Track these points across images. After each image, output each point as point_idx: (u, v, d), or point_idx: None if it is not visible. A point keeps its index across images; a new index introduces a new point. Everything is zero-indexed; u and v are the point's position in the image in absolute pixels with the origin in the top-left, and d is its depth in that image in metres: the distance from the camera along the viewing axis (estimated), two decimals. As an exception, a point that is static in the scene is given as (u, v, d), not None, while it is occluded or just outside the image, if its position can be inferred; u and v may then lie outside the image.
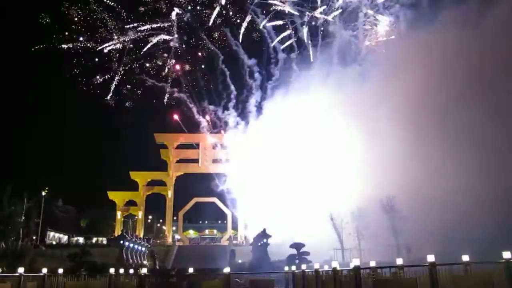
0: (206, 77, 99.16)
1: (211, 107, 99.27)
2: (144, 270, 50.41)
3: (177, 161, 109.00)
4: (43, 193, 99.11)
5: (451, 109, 62.42)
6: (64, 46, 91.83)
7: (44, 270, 37.51)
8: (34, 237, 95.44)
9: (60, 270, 40.29)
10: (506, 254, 20.83)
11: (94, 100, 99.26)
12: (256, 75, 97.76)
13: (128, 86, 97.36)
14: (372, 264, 25.20)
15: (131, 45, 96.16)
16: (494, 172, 55.85)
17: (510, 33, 59.43)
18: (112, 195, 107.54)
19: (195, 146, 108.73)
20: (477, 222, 51.03)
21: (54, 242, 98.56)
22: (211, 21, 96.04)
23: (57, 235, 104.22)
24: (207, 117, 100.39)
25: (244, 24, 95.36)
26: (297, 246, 61.89)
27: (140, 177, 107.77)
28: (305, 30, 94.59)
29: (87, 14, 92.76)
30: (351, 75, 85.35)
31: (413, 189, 61.86)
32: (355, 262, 21.70)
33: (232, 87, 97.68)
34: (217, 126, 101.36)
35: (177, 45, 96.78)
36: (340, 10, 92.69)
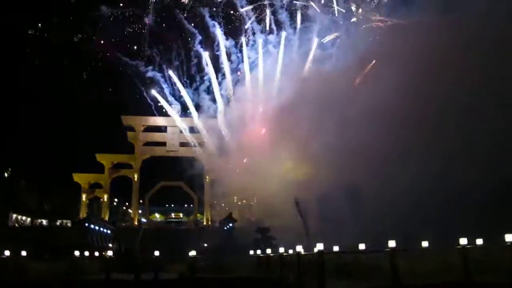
0: (180, 58, 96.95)
1: (183, 89, 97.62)
2: (109, 253, 50.52)
3: (144, 144, 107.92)
4: (5, 174, 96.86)
5: (421, 101, 63.79)
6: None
7: (7, 253, 37.20)
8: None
9: (24, 253, 40.04)
10: (462, 241, 21.94)
11: (59, 77, 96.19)
12: (232, 57, 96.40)
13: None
14: (336, 249, 26.02)
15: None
16: (458, 160, 57.60)
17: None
18: (77, 177, 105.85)
19: (163, 129, 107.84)
20: (438, 208, 52.96)
21: (16, 225, 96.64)
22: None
23: (20, 217, 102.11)
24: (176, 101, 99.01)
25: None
26: (263, 230, 62.98)
27: (106, 159, 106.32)
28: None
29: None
30: (324, 60, 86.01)
31: (378, 176, 63.19)
32: (319, 247, 22.41)
33: (206, 70, 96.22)
34: (186, 109, 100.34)
35: (151, 22, 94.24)
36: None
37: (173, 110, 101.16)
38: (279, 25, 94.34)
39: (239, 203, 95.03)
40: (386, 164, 63.33)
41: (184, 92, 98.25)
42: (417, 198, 56.20)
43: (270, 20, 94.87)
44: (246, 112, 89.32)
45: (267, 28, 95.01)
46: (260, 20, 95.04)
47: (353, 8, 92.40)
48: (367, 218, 58.38)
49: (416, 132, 62.00)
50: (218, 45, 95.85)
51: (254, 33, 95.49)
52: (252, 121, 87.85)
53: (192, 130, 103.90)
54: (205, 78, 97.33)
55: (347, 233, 51.31)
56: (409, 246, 25.44)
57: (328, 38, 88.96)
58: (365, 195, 63.79)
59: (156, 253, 39.28)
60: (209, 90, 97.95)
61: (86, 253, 43.03)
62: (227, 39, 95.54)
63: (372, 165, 64.80)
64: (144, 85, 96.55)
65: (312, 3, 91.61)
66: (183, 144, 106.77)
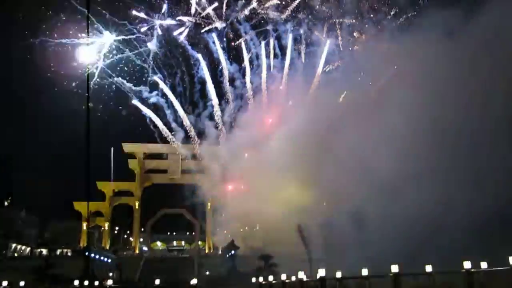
0: (183, 85, 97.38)
1: (185, 115, 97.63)
2: (109, 282, 49.87)
3: (145, 171, 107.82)
4: (5, 203, 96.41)
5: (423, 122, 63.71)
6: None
7: (4, 283, 36.69)
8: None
9: (22, 283, 39.46)
10: (466, 264, 21.51)
11: (61, 106, 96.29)
12: (236, 83, 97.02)
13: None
14: (338, 275, 25.55)
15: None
16: (466, 184, 57.16)
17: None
18: (78, 206, 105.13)
19: (164, 157, 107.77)
20: (444, 232, 52.30)
21: (16, 255, 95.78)
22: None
23: (19, 246, 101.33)
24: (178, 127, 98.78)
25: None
26: (265, 258, 62.16)
27: (107, 187, 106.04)
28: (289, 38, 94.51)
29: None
30: (329, 85, 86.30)
31: (383, 201, 62.68)
32: (321, 273, 22.00)
33: (210, 96, 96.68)
34: (189, 136, 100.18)
35: (156, 48, 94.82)
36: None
37: (174, 137, 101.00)
38: (283, 50, 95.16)
39: (242, 230, 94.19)
40: (391, 190, 62.82)
41: (186, 119, 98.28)
42: (422, 223, 55.57)
43: (274, 45, 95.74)
44: (248, 138, 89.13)
45: (271, 53, 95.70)
46: (264, 45, 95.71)
47: (356, 35, 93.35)
48: (371, 244, 57.62)
49: (421, 157, 61.67)
50: (221, 71, 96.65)
51: (257, 57, 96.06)
52: (255, 147, 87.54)
53: (194, 156, 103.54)
54: (208, 104, 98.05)
55: (351, 259, 50.61)
56: (414, 271, 25.00)
57: (329, 66, 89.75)
58: (369, 220, 63.15)
59: (157, 281, 38.77)
60: (212, 116, 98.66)
61: (86, 283, 42.42)
62: (230, 64, 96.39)
63: (377, 191, 64.30)
64: (145, 111, 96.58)
65: (316, 32, 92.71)
66: (184, 171, 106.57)
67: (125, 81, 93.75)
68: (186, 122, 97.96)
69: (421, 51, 66.27)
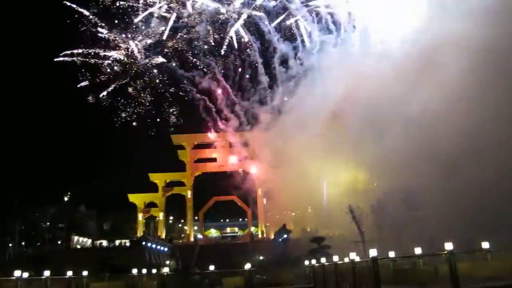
0: (234, 70, 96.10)
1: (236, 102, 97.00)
2: (166, 270, 51.25)
3: (195, 161, 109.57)
4: (65, 198, 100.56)
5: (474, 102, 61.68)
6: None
7: (69, 273, 38.46)
8: (59, 242, 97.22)
9: (85, 272, 41.31)
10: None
11: (111, 103, 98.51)
12: (282, 70, 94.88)
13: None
14: (391, 255, 25.27)
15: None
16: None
17: None
18: (133, 198, 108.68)
19: (212, 145, 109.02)
20: (498, 209, 50.62)
21: (78, 246, 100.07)
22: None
23: (81, 239, 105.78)
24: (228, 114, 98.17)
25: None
26: (318, 240, 62.12)
27: (159, 178, 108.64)
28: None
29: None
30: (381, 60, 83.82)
31: (433, 179, 61.35)
32: (373, 253, 21.75)
33: (261, 80, 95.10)
34: (239, 123, 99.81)
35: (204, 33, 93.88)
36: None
37: (224, 125, 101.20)
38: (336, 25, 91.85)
39: (293, 214, 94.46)
40: (443, 168, 61.31)
41: (236, 105, 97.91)
42: (475, 201, 53.99)
43: (326, 21, 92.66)
44: (298, 122, 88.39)
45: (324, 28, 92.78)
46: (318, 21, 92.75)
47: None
48: (424, 223, 56.56)
49: (475, 136, 59.75)
50: (272, 55, 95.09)
51: (310, 35, 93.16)
52: (305, 130, 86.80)
53: (242, 144, 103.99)
54: (259, 88, 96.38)
55: (404, 239, 49.91)
56: (469, 249, 24.31)
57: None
58: (422, 199, 61.92)
59: (212, 267, 39.50)
60: (262, 102, 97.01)
61: (144, 271, 43.83)
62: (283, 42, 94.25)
63: (429, 170, 62.90)
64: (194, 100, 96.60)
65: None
66: (233, 159, 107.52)
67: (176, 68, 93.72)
68: (236, 108, 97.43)
69: None
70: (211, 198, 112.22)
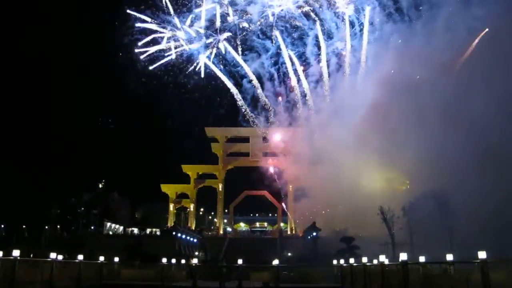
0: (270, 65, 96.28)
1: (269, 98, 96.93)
2: (195, 261, 51.94)
3: (228, 155, 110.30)
4: (100, 186, 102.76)
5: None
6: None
7: (101, 258, 39.54)
8: (92, 227, 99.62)
9: (116, 259, 42.38)
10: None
11: (150, 95, 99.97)
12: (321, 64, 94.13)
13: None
14: (422, 259, 24.92)
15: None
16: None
17: None
18: (165, 188, 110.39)
19: (246, 140, 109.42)
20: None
21: (110, 233, 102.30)
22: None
23: (113, 225, 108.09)
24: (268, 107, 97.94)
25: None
26: (347, 240, 61.71)
27: (191, 170, 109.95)
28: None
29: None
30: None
31: (468, 184, 60.09)
32: (403, 257, 21.57)
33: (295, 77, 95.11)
34: (274, 118, 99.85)
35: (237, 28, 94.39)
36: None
37: (258, 120, 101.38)
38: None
39: (323, 211, 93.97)
40: (479, 173, 59.93)
41: (270, 101, 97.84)
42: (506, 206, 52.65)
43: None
44: (332, 120, 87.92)
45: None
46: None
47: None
48: (458, 229, 55.47)
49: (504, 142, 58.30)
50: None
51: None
52: (339, 129, 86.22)
53: (276, 139, 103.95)
54: (294, 85, 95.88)
55: (436, 244, 49.07)
56: (504, 257, 23.71)
57: None
58: (456, 204, 60.68)
59: (240, 261, 39.85)
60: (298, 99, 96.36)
61: (173, 261, 44.57)
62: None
63: (463, 174, 61.62)
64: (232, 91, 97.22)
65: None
66: (266, 154, 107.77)
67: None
68: (271, 104, 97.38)
69: None
70: (242, 192, 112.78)
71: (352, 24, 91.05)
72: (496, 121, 60.12)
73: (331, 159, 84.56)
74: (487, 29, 73.79)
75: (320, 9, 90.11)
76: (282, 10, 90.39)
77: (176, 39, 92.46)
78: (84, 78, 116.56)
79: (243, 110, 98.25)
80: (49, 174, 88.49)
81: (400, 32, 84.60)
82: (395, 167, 74.71)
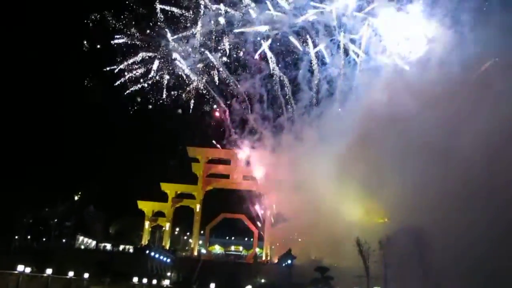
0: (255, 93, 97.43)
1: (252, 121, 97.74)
2: (166, 282, 51.06)
3: (208, 175, 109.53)
4: (76, 198, 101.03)
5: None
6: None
7: (71, 274, 38.59)
8: (64, 240, 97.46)
9: (86, 275, 41.40)
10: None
11: (130, 108, 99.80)
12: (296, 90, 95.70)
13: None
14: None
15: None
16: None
17: None
18: (142, 205, 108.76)
19: (227, 162, 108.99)
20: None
21: (82, 247, 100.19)
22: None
23: (86, 239, 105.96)
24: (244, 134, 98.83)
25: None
26: (322, 269, 61.38)
27: (170, 188, 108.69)
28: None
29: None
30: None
31: (444, 222, 60.58)
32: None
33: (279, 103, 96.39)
34: (254, 143, 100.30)
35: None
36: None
37: (240, 143, 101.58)
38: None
39: (300, 239, 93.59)
40: (456, 210, 60.53)
41: (257, 124, 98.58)
42: (486, 248, 53.07)
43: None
44: (312, 149, 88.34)
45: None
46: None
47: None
48: (433, 265, 55.65)
49: (490, 179, 59.14)
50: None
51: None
52: (318, 158, 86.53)
53: (257, 163, 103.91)
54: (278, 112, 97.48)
55: (410, 279, 49.12)
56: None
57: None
58: (432, 241, 61.03)
59: (212, 286, 39.25)
60: (279, 126, 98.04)
61: (145, 280, 43.77)
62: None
63: (445, 211, 62.17)
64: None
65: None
66: (246, 177, 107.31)
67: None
68: (258, 126, 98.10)
69: None
70: (220, 214, 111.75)
71: (346, 52, 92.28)
72: (482, 158, 60.97)
73: (312, 187, 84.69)
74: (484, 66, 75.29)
75: (316, 35, 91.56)
76: (277, 34, 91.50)
77: (167, 58, 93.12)
78: (64, 88, 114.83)
79: (228, 131, 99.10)
80: (24, 181, 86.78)
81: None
82: (376, 200, 75.00)
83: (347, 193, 79.61)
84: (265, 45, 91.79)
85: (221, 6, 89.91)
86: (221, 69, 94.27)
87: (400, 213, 69.43)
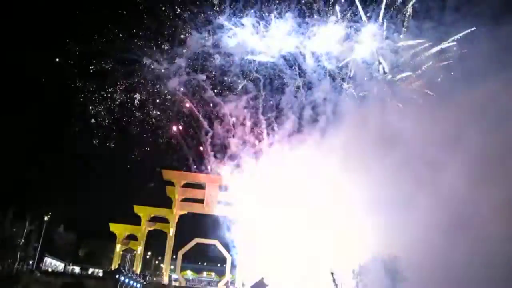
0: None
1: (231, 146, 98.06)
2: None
3: (182, 200, 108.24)
4: (45, 218, 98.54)
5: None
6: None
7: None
8: (30, 262, 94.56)
9: (50, 300, 39.90)
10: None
11: (106, 127, 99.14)
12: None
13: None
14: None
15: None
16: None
17: None
18: (114, 227, 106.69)
19: (202, 186, 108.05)
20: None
21: (50, 269, 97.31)
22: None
23: (54, 262, 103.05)
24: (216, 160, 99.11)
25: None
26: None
27: (143, 211, 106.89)
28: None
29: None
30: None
31: (416, 250, 60.81)
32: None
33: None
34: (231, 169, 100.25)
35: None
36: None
37: (215, 168, 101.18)
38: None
39: (273, 267, 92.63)
40: (429, 240, 60.83)
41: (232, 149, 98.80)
42: (461, 279, 53.32)
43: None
44: (285, 176, 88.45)
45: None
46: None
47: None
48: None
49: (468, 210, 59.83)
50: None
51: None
52: (292, 185, 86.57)
53: (232, 188, 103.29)
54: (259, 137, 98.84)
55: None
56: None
57: None
58: (405, 269, 61.10)
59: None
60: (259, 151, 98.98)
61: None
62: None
63: (413, 240, 62.43)
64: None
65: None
66: (221, 202, 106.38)
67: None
68: (230, 153, 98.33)
69: None
70: (193, 239, 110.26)
71: (333, 77, 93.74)
72: (467, 190, 61.65)
73: (287, 215, 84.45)
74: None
75: (303, 59, 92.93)
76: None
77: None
78: (39, 102, 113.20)
79: (205, 155, 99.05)
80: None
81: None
82: (352, 230, 74.91)
83: (322, 221, 79.40)
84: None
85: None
86: (205, 90, 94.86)
87: (373, 241, 69.39)
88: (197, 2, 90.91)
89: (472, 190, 61.99)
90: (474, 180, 62.56)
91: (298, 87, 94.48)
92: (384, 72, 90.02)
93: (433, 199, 65.97)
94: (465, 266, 56.53)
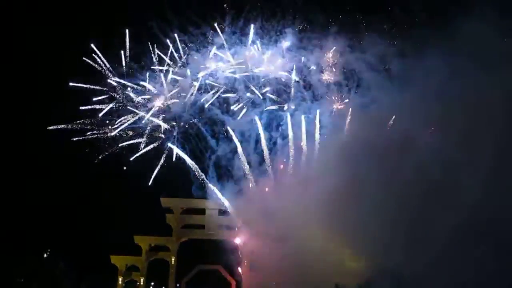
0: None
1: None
2: None
3: (182, 227, 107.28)
4: (45, 255, 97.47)
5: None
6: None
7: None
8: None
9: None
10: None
11: (100, 160, 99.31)
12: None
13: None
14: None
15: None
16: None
17: None
18: (115, 260, 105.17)
19: (202, 212, 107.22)
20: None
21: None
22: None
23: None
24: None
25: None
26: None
27: (144, 241, 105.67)
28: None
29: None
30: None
31: (425, 265, 60.28)
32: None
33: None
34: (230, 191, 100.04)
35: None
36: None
37: (214, 192, 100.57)
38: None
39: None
40: (437, 252, 60.32)
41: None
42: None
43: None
44: (284, 196, 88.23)
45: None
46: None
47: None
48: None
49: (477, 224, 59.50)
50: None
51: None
52: (293, 205, 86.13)
53: (232, 213, 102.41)
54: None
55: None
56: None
57: None
58: (412, 285, 60.46)
59: None
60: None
61: None
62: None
63: (419, 253, 61.88)
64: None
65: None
66: (222, 227, 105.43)
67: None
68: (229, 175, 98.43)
69: None
70: (196, 266, 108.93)
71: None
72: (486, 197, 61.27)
73: (288, 235, 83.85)
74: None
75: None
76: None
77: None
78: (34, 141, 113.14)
79: (202, 180, 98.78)
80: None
81: None
82: (357, 244, 74.24)
83: (324, 240, 78.78)
84: None
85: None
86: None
87: (380, 256, 68.69)
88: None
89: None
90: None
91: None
92: None
93: (432, 214, 65.52)
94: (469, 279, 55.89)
